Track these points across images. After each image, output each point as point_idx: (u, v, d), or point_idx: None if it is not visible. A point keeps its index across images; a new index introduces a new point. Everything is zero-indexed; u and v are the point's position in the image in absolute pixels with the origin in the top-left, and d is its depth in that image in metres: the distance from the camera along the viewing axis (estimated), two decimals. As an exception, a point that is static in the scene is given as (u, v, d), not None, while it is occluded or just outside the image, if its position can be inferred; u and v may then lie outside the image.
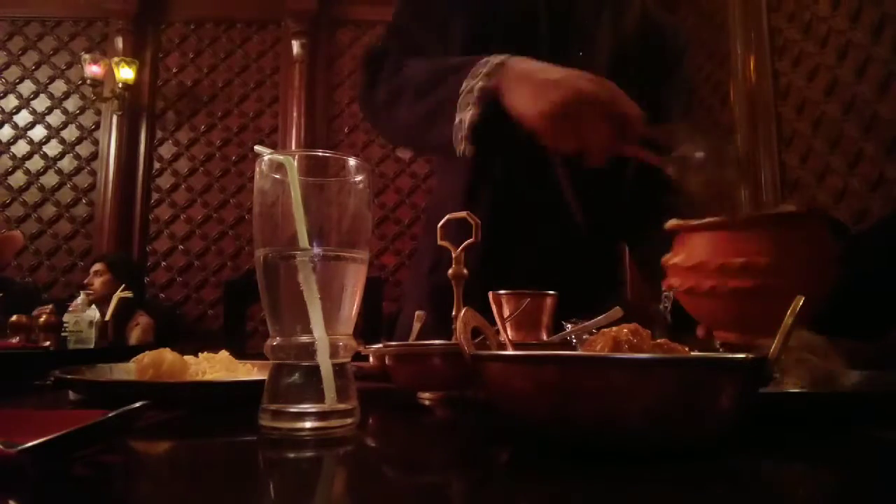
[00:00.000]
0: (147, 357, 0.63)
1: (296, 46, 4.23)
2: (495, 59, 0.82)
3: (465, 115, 0.81)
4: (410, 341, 0.81)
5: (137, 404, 0.39)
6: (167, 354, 0.63)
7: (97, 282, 3.02)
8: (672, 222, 0.70)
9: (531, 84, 0.77)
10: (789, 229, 0.64)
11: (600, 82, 0.75)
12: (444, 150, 0.87)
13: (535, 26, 1.02)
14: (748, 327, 0.63)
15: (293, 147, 4.13)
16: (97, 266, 3.10)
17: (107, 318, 2.44)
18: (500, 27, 1.01)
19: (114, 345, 2.51)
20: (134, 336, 2.86)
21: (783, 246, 0.62)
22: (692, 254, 0.66)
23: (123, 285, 2.82)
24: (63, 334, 2.35)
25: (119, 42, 4.26)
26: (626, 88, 1.02)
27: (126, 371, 0.67)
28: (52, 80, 4.32)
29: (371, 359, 0.72)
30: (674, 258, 0.69)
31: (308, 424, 0.44)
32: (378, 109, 1.00)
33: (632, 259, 1.20)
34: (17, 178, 4.24)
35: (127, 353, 0.71)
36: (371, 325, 2.82)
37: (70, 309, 2.44)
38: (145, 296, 3.97)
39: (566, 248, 1.04)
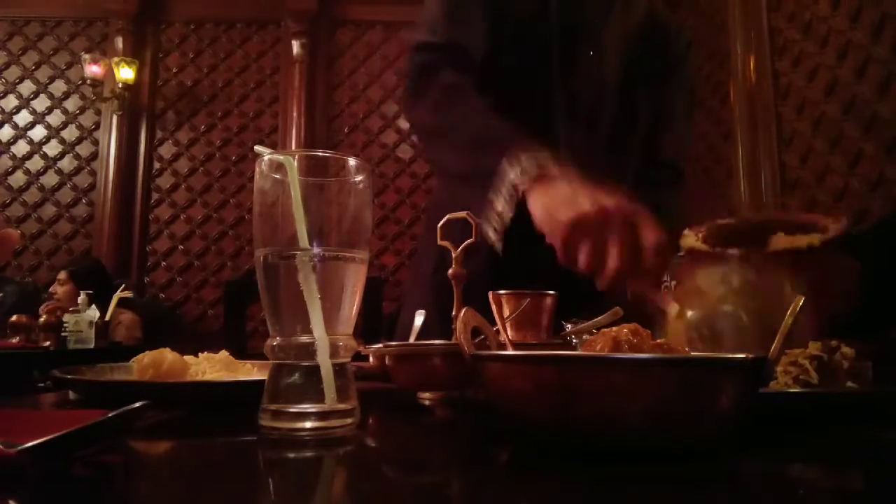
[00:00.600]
0: (147, 357, 0.63)
1: (296, 46, 4.23)
2: (533, 157, 0.80)
3: (498, 204, 0.80)
4: (410, 341, 0.81)
5: (137, 404, 0.39)
6: (167, 354, 0.63)
7: (59, 290, 3.02)
8: (687, 243, 0.67)
9: (558, 193, 0.76)
10: (810, 261, 0.60)
11: (630, 206, 0.72)
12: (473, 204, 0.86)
13: (547, 28, 1.02)
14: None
15: (293, 147, 4.13)
16: (61, 275, 3.09)
17: (107, 318, 2.45)
18: (512, 29, 1.01)
19: (113, 345, 2.51)
20: (119, 334, 2.85)
21: (804, 280, 0.59)
22: (701, 288, 0.63)
23: (123, 285, 2.82)
24: (63, 334, 2.35)
25: (119, 42, 4.26)
26: (633, 88, 1.03)
27: (126, 371, 0.67)
28: (52, 80, 4.32)
29: (371, 359, 0.72)
30: (680, 286, 0.66)
31: (308, 424, 0.44)
32: (422, 131, 1.04)
33: None
34: (17, 178, 4.24)
35: (127, 353, 0.71)
36: (371, 325, 2.82)
37: (70, 309, 2.44)
38: (143, 294, 3.97)
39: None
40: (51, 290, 3.09)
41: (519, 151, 0.81)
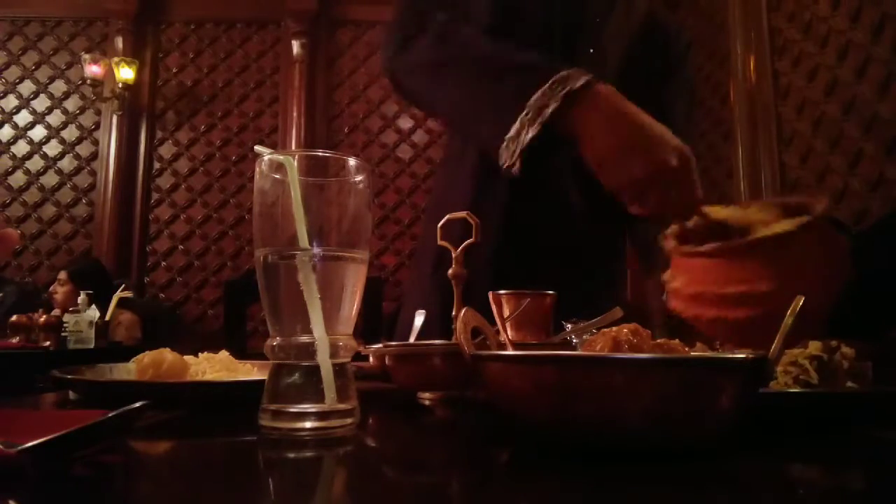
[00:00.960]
0: (147, 357, 0.63)
1: (296, 46, 4.23)
2: (578, 78, 0.76)
3: (526, 133, 0.75)
4: (410, 341, 0.81)
5: (137, 404, 0.39)
6: (167, 354, 0.63)
7: (60, 291, 3.02)
8: (669, 245, 0.67)
9: (618, 140, 0.73)
10: (790, 247, 0.59)
11: (686, 158, 0.73)
12: (480, 145, 0.82)
13: (548, 26, 1.02)
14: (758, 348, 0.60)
15: (293, 147, 4.13)
16: (61, 275, 3.09)
17: (107, 318, 2.45)
18: (513, 28, 1.01)
19: (113, 345, 2.51)
20: (118, 334, 2.85)
21: (785, 267, 0.58)
22: (691, 280, 0.63)
23: (123, 285, 2.82)
24: (63, 334, 2.35)
25: (119, 42, 4.26)
26: (633, 87, 1.03)
27: (126, 371, 0.67)
28: (52, 80, 4.32)
29: (371, 359, 0.72)
30: (673, 282, 0.66)
31: (308, 424, 0.44)
32: (417, 75, 0.92)
33: (631, 246, 1.19)
34: (17, 178, 4.24)
35: (127, 353, 0.71)
36: (371, 325, 2.82)
37: (70, 309, 2.44)
38: (143, 294, 3.96)
39: (571, 246, 1.04)
40: (51, 289, 3.09)
41: (556, 77, 0.76)
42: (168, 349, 0.65)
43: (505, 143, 0.77)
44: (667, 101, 1.09)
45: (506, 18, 1.00)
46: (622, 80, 1.05)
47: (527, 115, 0.75)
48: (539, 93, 0.76)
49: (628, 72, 1.06)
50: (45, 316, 2.50)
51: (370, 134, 4.32)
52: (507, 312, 0.78)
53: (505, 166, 0.78)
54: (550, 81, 0.76)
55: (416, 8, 0.95)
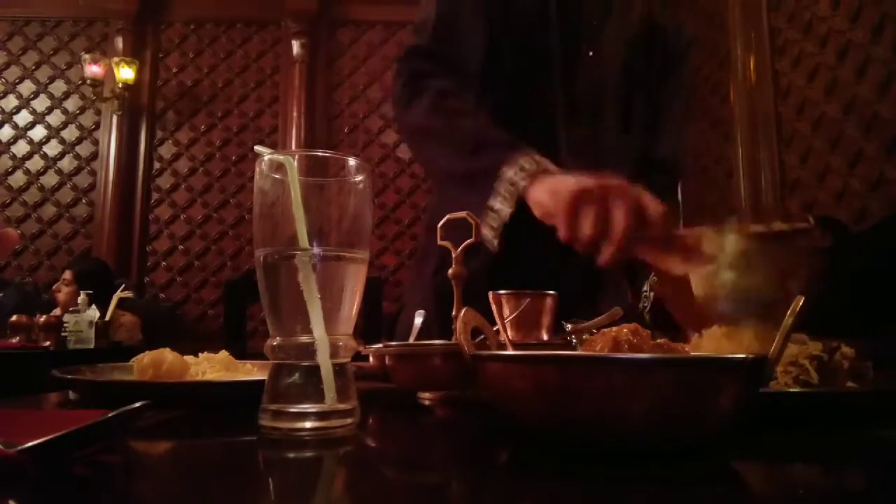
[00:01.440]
0: (147, 357, 0.63)
1: (296, 46, 4.23)
2: (531, 157, 0.82)
3: (496, 204, 0.82)
4: (410, 341, 0.81)
5: (137, 404, 0.39)
6: (167, 354, 0.63)
7: (64, 290, 3.02)
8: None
9: (558, 180, 0.78)
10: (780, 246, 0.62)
11: (624, 183, 0.74)
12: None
13: (546, 29, 1.03)
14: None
15: (293, 147, 4.13)
16: (66, 275, 3.09)
17: (107, 318, 2.45)
18: (512, 31, 1.02)
19: (113, 345, 2.52)
20: (120, 336, 2.86)
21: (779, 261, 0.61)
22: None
23: (123, 285, 2.82)
24: (63, 334, 2.35)
25: (119, 42, 4.26)
26: (633, 86, 1.03)
27: (126, 371, 0.67)
28: (52, 80, 4.33)
29: (371, 359, 0.72)
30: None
31: (308, 424, 0.44)
32: (415, 133, 1.02)
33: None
34: (17, 178, 4.24)
35: (127, 353, 0.71)
36: (371, 325, 2.82)
37: (70, 309, 2.44)
38: (143, 294, 3.97)
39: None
40: (54, 288, 3.09)
41: (516, 153, 0.83)
42: (168, 349, 0.65)
43: (482, 218, 0.83)
44: (665, 101, 1.09)
45: (503, 31, 1.01)
46: (622, 80, 1.06)
47: (503, 189, 0.82)
48: (506, 168, 0.82)
49: (628, 73, 1.06)
50: (45, 316, 2.50)
51: (370, 134, 4.32)
52: (507, 312, 0.78)
53: (486, 238, 0.83)
54: (517, 160, 0.82)
55: (417, 69, 1.00)
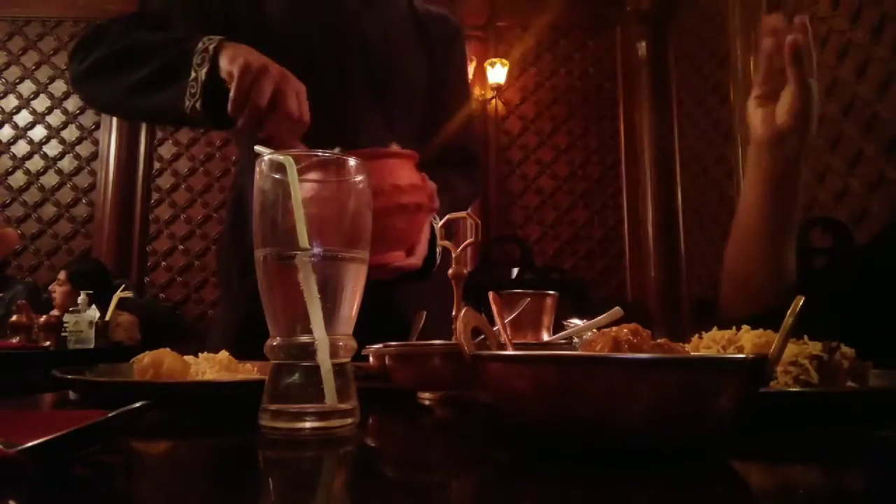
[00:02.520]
0: (147, 357, 0.63)
1: (296, 46, 4.23)
2: (209, 37, 0.88)
3: (195, 73, 0.86)
4: (410, 341, 0.81)
5: (137, 404, 0.39)
6: (167, 355, 0.63)
7: (58, 291, 3.02)
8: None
9: (241, 50, 0.85)
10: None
11: (298, 82, 0.84)
12: (166, 114, 0.93)
13: (305, 27, 1.06)
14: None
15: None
16: (61, 275, 3.09)
17: (106, 318, 2.45)
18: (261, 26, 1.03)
19: (113, 345, 2.52)
20: (118, 336, 2.86)
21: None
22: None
23: (123, 285, 2.82)
24: (63, 334, 2.35)
25: (119, 42, 4.26)
26: (411, 69, 1.12)
27: (126, 371, 0.67)
28: (52, 80, 4.33)
29: (371, 359, 0.72)
30: None
31: (308, 424, 0.44)
32: (96, 73, 0.97)
33: None
34: (17, 178, 4.24)
35: (127, 353, 0.71)
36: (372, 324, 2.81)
37: (70, 309, 2.44)
38: (143, 294, 3.96)
39: None
40: (49, 288, 3.09)
41: (197, 35, 0.88)
42: (168, 349, 0.64)
43: (183, 93, 0.86)
44: (447, 81, 1.19)
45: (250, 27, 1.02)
46: (392, 56, 1.11)
47: (198, 57, 0.86)
48: (200, 41, 0.87)
49: (396, 49, 1.12)
50: (45, 316, 2.50)
51: (370, 134, 4.31)
52: (507, 312, 0.78)
53: (190, 106, 0.87)
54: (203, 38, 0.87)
55: (98, 26, 1.01)
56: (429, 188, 0.89)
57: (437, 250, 0.97)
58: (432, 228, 0.95)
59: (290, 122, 0.82)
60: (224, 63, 0.84)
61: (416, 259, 0.89)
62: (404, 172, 0.83)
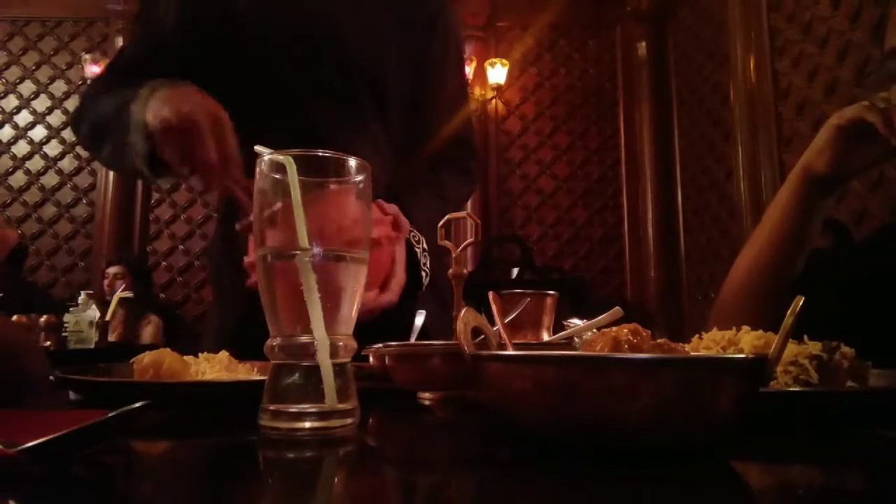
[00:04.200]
0: (147, 357, 0.63)
1: (296, 46, 4.23)
2: (147, 88, 0.86)
3: (135, 145, 0.85)
4: (411, 341, 0.81)
5: (137, 404, 0.39)
6: (167, 355, 0.63)
7: (118, 286, 3.04)
8: None
9: (157, 103, 0.83)
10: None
11: (214, 115, 0.80)
12: (140, 177, 0.93)
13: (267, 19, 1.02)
14: None
15: (293, 147, 4.13)
16: (115, 269, 3.10)
17: (107, 318, 2.45)
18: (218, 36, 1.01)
19: (120, 345, 2.52)
20: (147, 334, 2.87)
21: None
22: None
23: (123, 286, 2.83)
24: (63, 334, 2.35)
25: (119, 42, 4.26)
26: (387, 66, 1.04)
27: (126, 371, 0.67)
28: (52, 80, 4.33)
29: (371, 359, 0.72)
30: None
31: (308, 424, 0.44)
32: (88, 146, 1.03)
33: None
34: (17, 178, 4.24)
35: (127, 353, 0.71)
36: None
37: (70, 309, 2.44)
38: (156, 296, 3.97)
39: None
40: (107, 284, 3.09)
41: (143, 88, 0.86)
42: (168, 349, 0.64)
43: (135, 161, 0.86)
44: (436, 58, 1.12)
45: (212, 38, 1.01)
46: (370, 57, 1.05)
47: (132, 135, 0.86)
48: (133, 111, 0.86)
49: (374, 49, 1.06)
50: (45, 316, 2.50)
51: (370, 134, 4.31)
52: (507, 312, 0.78)
53: (146, 176, 0.89)
54: (135, 102, 0.86)
55: (82, 97, 1.05)
56: (388, 216, 0.87)
57: (424, 271, 0.94)
58: (412, 250, 0.93)
59: (215, 169, 0.80)
60: (147, 116, 0.83)
61: (391, 294, 0.86)
62: (349, 207, 0.80)
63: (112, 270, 3.15)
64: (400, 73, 1.08)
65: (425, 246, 0.96)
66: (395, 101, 1.08)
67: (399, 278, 0.88)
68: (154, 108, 0.82)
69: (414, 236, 0.94)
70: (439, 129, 1.13)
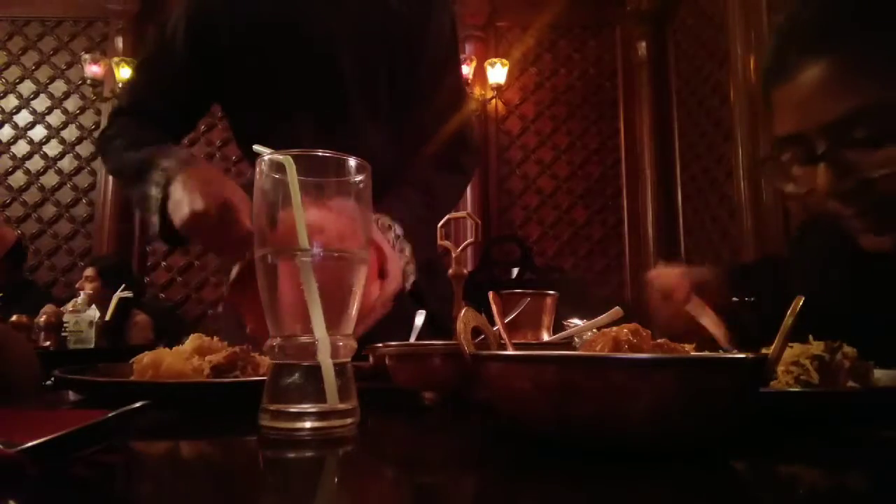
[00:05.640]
0: (147, 357, 0.63)
1: (296, 46, 4.23)
2: (166, 162, 0.90)
3: (153, 218, 0.90)
4: (411, 341, 0.81)
5: (137, 404, 0.39)
6: (166, 355, 0.63)
7: (88, 287, 3.03)
8: None
9: (177, 195, 0.85)
10: None
11: (228, 203, 0.81)
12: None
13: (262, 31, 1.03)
14: None
15: (293, 147, 4.12)
16: (89, 271, 3.11)
17: (107, 318, 2.44)
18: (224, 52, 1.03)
19: (114, 345, 2.51)
20: (134, 335, 2.86)
21: None
22: None
23: (123, 285, 2.82)
24: (63, 334, 2.35)
25: (119, 42, 4.26)
26: (377, 68, 1.04)
27: (126, 371, 0.67)
28: (52, 80, 4.32)
29: (371, 359, 0.72)
30: None
31: (308, 424, 0.44)
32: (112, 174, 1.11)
33: None
34: (17, 178, 4.24)
35: (127, 353, 0.71)
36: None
37: (70, 309, 2.44)
38: (144, 294, 3.97)
39: None
40: (77, 285, 3.08)
41: (173, 148, 0.93)
42: (167, 349, 0.64)
43: (147, 204, 0.91)
44: (434, 56, 1.10)
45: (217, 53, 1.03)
46: (357, 62, 1.04)
47: (150, 206, 0.90)
48: (150, 187, 0.90)
49: (363, 53, 1.05)
50: (45, 316, 2.50)
51: (370, 134, 4.31)
52: (507, 312, 0.78)
53: (158, 237, 0.94)
54: (153, 173, 0.90)
55: (111, 116, 1.10)
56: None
57: (408, 273, 0.92)
58: (401, 247, 0.90)
59: (229, 251, 0.84)
60: (173, 194, 0.86)
61: (394, 281, 0.85)
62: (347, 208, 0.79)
63: (87, 272, 3.16)
64: (393, 76, 1.08)
65: (409, 253, 0.93)
66: (388, 106, 1.08)
67: (393, 262, 0.86)
68: (174, 200, 0.85)
69: (398, 242, 0.92)
70: (437, 130, 1.12)
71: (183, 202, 0.82)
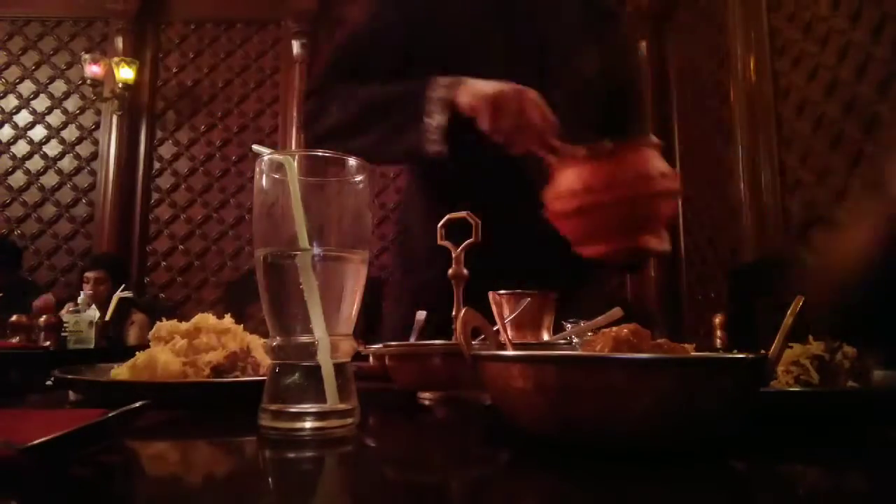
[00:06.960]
0: (141, 358, 0.63)
1: (296, 46, 4.23)
2: (450, 78, 0.95)
3: (434, 120, 0.93)
4: (410, 341, 0.81)
5: (137, 404, 0.39)
6: (160, 355, 0.63)
7: (100, 290, 3.03)
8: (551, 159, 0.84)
9: (477, 86, 0.93)
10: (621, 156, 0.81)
11: (530, 92, 0.89)
12: (411, 157, 1.00)
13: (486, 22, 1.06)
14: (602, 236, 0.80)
15: (293, 147, 4.13)
16: (97, 274, 3.10)
17: (107, 318, 2.44)
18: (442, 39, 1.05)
19: (113, 345, 2.51)
20: (132, 334, 2.86)
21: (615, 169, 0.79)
22: (562, 182, 0.81)
23: (123, 286, 2.82)
24: (63, 334, 2.35)
25: (119, 42, 4.26)
26: (564, 44, 1.09)
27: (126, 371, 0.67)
28: (52, 80, 4.33)
29: (371, 359, 0.72)
30: (550, 189, 0.82)
31: (308, 424, 0.44)
32: (335, 135, 1.07)
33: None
34: (17, 178, 4.24)
35: (127, 354, 0.71)
36: (371, 325, 2.82)
37: (70, 309, 2.44)
38: (143, 294, 3.97)
39: (548, 245, 1.01)
40: (88, 291, 3.08)
41: (429, 79, 0.95)
42: (164, 349, 0.64)
43: (422, 139, 0.94)
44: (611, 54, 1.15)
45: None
46: (556, 39, 1.09)
47: (429, 108, 0.94)
48: (429, 91, 0.95)
49: (559, 31, 1.09)
50: (44, 316, 2.50)
51: (370, 134, 4.31)
52: (507, 312, 0.78)
53: (432, 152, 0.94)
54: (433, 83, 0.95)
55: (321, 84, 1.11)
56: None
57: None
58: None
59: (537, 131, 0.88)
60: (464, 101, 0.91)
61: (667, 244, 0.89)
62: (659, 161, 0.89)
63: (94, 275, 3.14)
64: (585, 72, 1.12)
65: None
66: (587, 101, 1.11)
67: (667, 235, 0.89)
68: (470, 87, 0.91)
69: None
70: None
71: (484, 86, 0.90)
